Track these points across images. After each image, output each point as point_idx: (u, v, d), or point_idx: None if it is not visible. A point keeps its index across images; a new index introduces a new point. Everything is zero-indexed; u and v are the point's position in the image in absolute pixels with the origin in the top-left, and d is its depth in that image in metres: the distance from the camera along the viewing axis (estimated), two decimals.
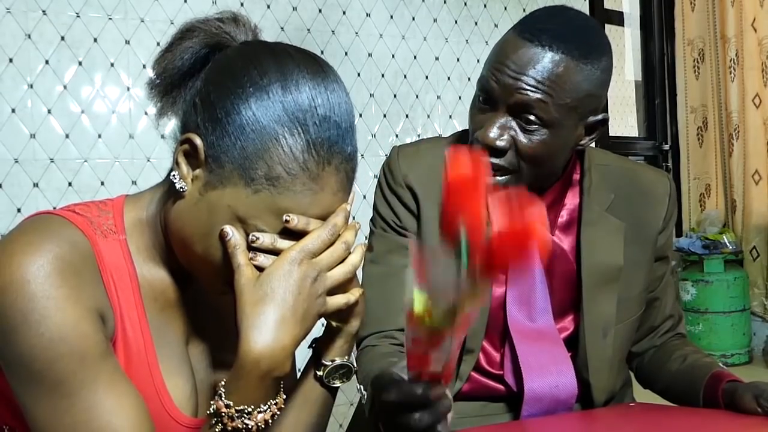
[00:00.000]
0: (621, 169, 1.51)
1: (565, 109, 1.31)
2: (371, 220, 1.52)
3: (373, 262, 1.46)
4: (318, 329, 0.97)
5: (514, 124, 1.32)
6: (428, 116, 3.57)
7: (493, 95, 1.32)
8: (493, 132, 1.31)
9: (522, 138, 1.31)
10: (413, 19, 3.54)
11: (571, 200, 1.47)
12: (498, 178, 1.33)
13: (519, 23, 1.37)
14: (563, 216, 1.46)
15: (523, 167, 1.33)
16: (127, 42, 2.79)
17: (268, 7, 3.11)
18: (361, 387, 1.15)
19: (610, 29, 4.68)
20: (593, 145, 1.47)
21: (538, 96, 1.29)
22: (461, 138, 1.49)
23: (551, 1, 3.95)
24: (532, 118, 1.30)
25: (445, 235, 0.85)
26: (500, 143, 1.31)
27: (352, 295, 0.95)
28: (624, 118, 5.24)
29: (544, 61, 1.29)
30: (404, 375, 0.98)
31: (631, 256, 1.46)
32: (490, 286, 0.84)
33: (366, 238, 1.53)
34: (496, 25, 3.78)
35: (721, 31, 4.51)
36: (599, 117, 1.38)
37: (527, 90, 1.29)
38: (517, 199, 0.85)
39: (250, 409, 0.88)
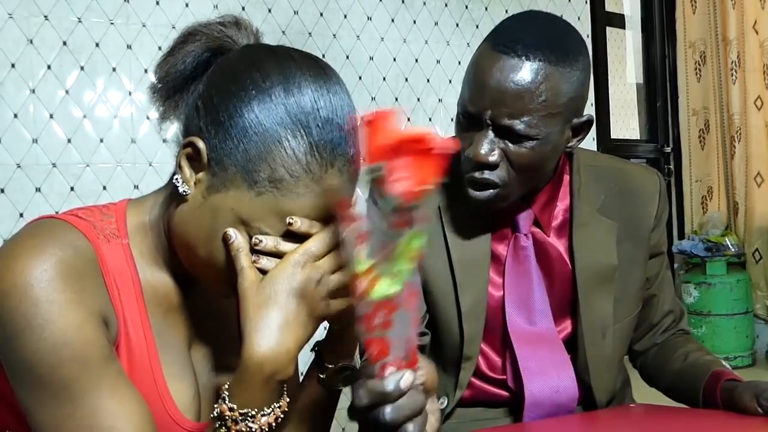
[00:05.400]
0: (610, 169, 1.51)
1: (551, 117, 1.30)
2: None
3: None
4: (320, 332, 0.97)
5: (502, 138, 1.32)
6: (430, 119, 3.57)
7: (477, 115, 1.32)
8: (484, 148, 1.31)
9: (512, 150, 1.32)
10: (414, 22, 3.54)
11: (563, 201, 1.47)
12: (489, 192, 1.34)
13: (490, 36, 1.35)
14: (557, 217, 1.46)
15: (514, 178, 1.34)
16: (129, 47, 2.80)
17: (270, 11, 3.12)
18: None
19: (611, 32, 4.69)
20: (593, 146, 1.48)
21: (522, 110, 1.28)
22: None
23: (549, 4, 3.96)
24: (519, 131, 1.29)
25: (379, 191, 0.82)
26: (492, 158, 1.32)
27: None
28: (625, 121, 5.24)
29: (523, 71, 1.28)
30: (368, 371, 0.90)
31: (625, 256, 1.46)
32: (417, 219, 0.78)
33: None
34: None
35: (722, 33, 4.52)
36: (584, 118, 1.38)
37: (510, 106, 1.28)
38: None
39: (253, 413, 0.88)
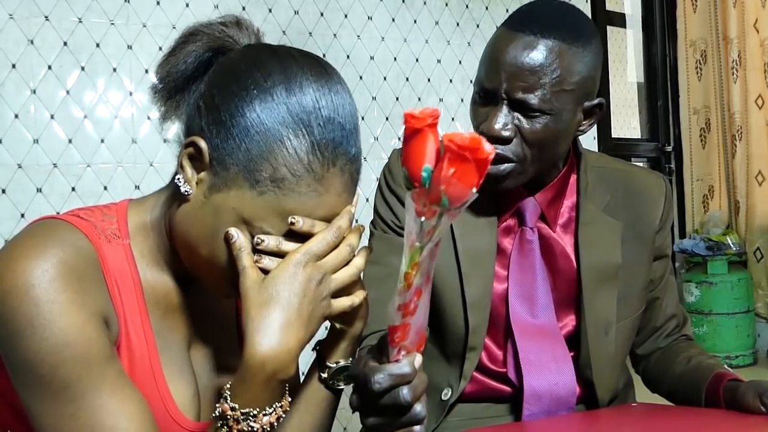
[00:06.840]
0: (616, 171, 1.53)
1: (563, 94, 1.34)
2: (371, 222, 1.53)
3: (373, 263, 1.46)
4: (321, 331, 0.97)
5: (516, 113, 1.35)
6: None
7: (492, 91, 1.35)
8: (498, 123, 1.34)
9: (525, 125, 1.34)
10: (415, 21, 3.54)
11: (570, 199, 1.48)
12: (504, 166, 1.36)
13: (507, 19, 1.40)
14: (563, 215, 1.48)
15: (528, 155, 1.36)
16: (130, 47, 2.80)
17: (270, 10, 3.12)
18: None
19: (612, 31, 4.69)
20: (594, 145, 1.48)
21: (536, 84, 1.32)
22: None
23: None
24: (532, 105, 1.32)
25: (413, 179, 0.85)
26: (505, 133, 1.34)
27: (357, 298, 0.95)
28: (627, 120, 5.24)
29: (539, 48, 1.32)
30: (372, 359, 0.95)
31: (630, 256, 1.47)
32: (453, 204, 0.82)
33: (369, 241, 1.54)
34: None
35: (723, 32, 4.51)
36: (595, 101, 1.41)
37: (525, 80, 1.32)
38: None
39: (255, 412, 0.88)
